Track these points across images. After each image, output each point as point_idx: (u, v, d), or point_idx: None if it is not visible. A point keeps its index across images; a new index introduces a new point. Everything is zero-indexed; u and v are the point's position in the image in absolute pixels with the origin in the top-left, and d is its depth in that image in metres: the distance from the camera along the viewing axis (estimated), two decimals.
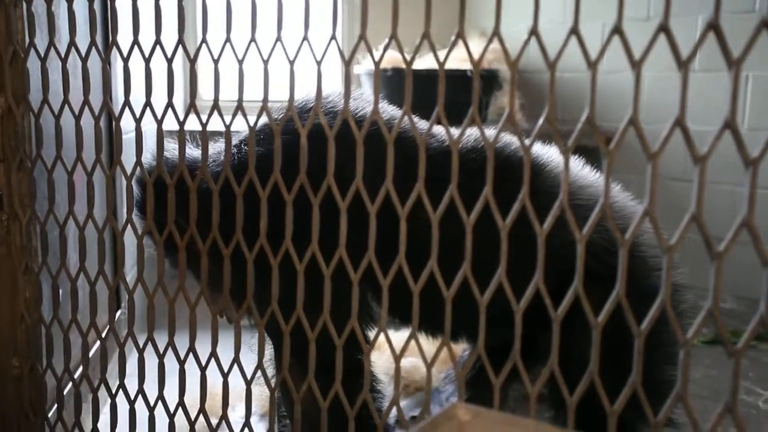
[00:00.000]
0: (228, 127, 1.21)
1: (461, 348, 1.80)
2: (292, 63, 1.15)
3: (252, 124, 1.21)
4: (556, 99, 3.26)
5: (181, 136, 1.23)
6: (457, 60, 3.22)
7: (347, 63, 1.09)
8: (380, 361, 2.21)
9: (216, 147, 1.50)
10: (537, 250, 0.97)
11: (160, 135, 1.25)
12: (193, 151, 1.44)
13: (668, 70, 3.28)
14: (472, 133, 1.47)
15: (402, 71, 3.13)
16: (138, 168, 1.29)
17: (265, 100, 1.17)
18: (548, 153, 1.48)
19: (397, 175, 1.08)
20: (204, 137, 1.23)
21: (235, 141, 1.46)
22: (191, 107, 1.20)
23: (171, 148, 1.40)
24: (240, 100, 1.18)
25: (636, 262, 1.21)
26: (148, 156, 1.33)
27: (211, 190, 1.23)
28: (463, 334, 1.51)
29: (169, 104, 1.23)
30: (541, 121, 0.93)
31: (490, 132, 1.05)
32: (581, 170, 1.49)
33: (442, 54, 1.03)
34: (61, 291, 1.43)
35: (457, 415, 0.83)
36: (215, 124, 1.25)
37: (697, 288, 2.40)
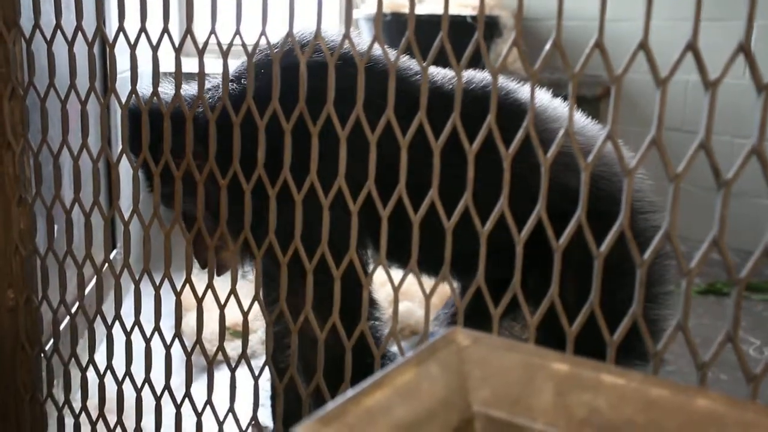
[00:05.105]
0: (225, 53, 1.18)
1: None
2: None
3: (250, 51, 1.18)
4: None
5: (177, 59, 1.20)
6: (458, 5, 3.16)
7: None
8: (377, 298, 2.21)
9: (213, 82, 1.47)
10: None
11: (156, 60, 1.21)
12: (191, 88, 1.43)
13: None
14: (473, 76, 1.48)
15: (401, 16, 3.08)
16: (134, 97, 1.26)
17: (264, 26, 1.14)
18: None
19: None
20: (201, 63, 1.19)
21: (232, 75, 1.43)
22: (187, 32, 1.16)
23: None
24: (237, 28, 1.15)
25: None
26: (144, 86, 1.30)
27: (208, 121, 1.21)
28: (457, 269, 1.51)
29: (165, 30, 1.19)
30: (540, 60, 0.90)
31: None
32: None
33: None
34: (56, 226, 1.42)
35: (456, 340, 0.82)
36: (211, 64, 1.22)
37: (691, 240, 2.39)
